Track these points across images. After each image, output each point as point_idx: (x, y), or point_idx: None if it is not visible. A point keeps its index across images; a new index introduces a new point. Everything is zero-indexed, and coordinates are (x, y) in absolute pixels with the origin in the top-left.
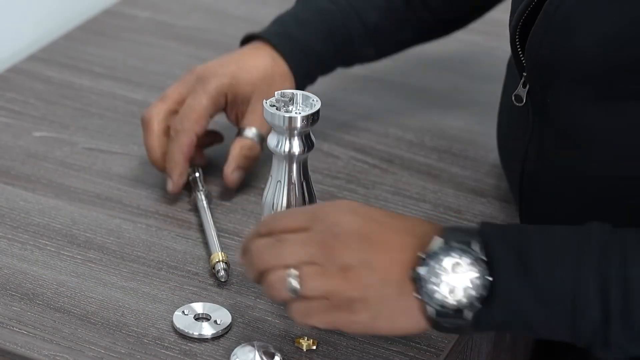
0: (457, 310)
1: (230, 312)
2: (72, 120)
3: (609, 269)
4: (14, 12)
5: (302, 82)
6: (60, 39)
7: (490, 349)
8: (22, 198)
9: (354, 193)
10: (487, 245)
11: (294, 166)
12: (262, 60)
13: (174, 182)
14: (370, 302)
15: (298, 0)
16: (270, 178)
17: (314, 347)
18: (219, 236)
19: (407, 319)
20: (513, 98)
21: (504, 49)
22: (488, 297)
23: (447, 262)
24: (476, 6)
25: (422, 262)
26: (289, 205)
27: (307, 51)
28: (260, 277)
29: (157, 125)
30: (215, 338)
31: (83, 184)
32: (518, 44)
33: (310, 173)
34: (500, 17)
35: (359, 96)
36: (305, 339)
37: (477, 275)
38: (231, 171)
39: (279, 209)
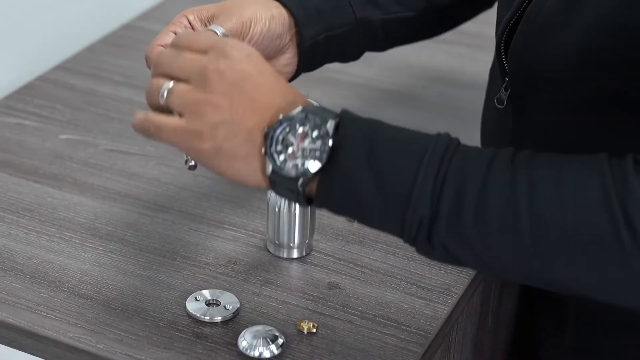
0: (293, 178)
1: (238, 298)
2: (95, 124)
3: (448, 171)
4: (41, 26)
5: (297, 14)
6: (84, 50)
7: (474, 332)
8: (49, 195)
9: None
10: (342, 124)
11: None
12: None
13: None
14: (217, 138)
15: None
16: None
17: (314, 330)
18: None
19: (246, 168)
20: (495, 101)
21: (486, 60)
22: (326, 170)
23: (299, 130)
24: (470, 15)
25: (278, 123)
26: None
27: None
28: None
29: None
30: (225, 322)
31: (104, 182)
32: (503, 51)
33: None
34: (483, 31)
35: (354, 102)
36: (306, 322)
37: (319, 148)
38: None
39: (282, 208)
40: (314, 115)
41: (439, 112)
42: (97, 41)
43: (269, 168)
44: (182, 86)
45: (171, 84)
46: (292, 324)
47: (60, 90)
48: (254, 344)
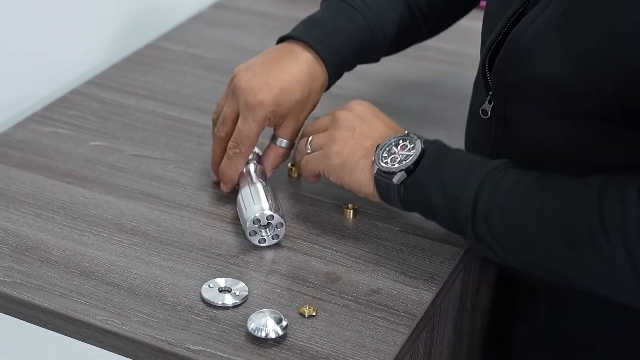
0: (391, 173)
1: (247, 286)
2: (121, 133)
3: (486, 182)
4: (73, 45)
5: (330, 85)
6: (111, 67)
7: (455, 314)
8: (80, 194)
9: (340, 200)
10: (427, 146)
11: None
12: (302, 77)
13: (228, 189)
14: (343, 155)
15: (331, 4)
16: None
17: (314, 314)
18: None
19: (363, 177)
20: (480, 112)
21: (466, 76)
22: (413, 172)
23: (400, 143)
24: (455, 19)
25: (386, 140)
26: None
27: (344, 60)
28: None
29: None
30: (235, 306)
31: (130, 183)
32: (487, 69)
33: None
34: (463, 50)
35: None
36: (307, 307)
37: (412, 154)
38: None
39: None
40: (410, 136)
41: (424, 123)
42: (123, 59)
43: (375, 168)
44: (319, 135)
45: (311, 137)
46: (294, 308)
47: (91, 102)
48: (261, 325)
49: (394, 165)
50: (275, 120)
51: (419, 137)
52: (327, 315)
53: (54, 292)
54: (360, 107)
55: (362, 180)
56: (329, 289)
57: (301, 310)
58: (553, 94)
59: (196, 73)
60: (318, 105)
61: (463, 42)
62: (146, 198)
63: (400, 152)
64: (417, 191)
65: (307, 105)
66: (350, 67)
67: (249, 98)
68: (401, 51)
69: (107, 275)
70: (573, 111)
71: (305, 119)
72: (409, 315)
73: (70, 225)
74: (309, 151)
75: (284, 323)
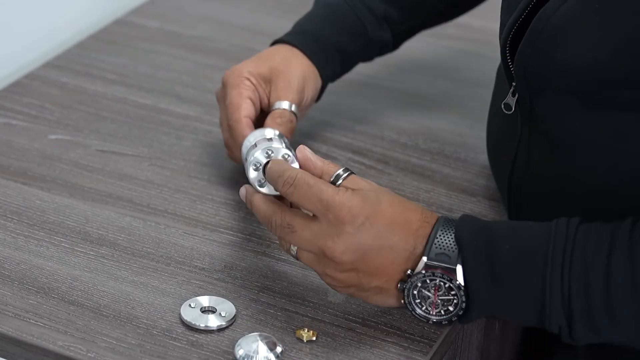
0: (443, 319)
1: (234, 305)
2: (86, 124)
3: (571, 278)
4: (29, 22)
5: (324, 71)
6: (74, 47)
7: (480, 339)
8: (38, 197)
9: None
10: (464, 263)
11: None
12: (278, 50)
13: (231, 152)
14: (350, 291)
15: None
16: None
17: (314, 338)
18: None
19: (385, 301)
20: (502, 106)
21: (492, 56)
22: (465, 310)
23: (432, 284)
24: None
25: (409, 283)
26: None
27: (321, 40)
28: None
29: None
30: (221, 329)
31: (96, 184)
32: (508, 55)
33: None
34: (488, 25)
35: (356, 101)
36: (306, 331)
37: (455, 301)
38: None
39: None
40: (440, 266)
41: (443, 111)
42: (88, 37)
43: (409, 309)
44: (307, 256)
45: (293, 251)
46: (291, 332)
47: (50, 88)
48: (252, 352)
49: (436, 314)
50: (261, 86)
51: (448, 262)
52: (329, 340)
53: (6, 312)
54: (355, 235)
55: (385, 303)
56: (331, 309)
57: (299, 334)
58: (589, 82)
59: (174, 53)
60: (323, 96)
61: (490, 17)
62: (115, 202)
63: (438, 298)
64: (476, 316)
65: (291, 66)
66: (347, 53)
67: (227, 73)
68: (418, 33)
69: (69, 293)
70: (611, 102)
71: (299, 84)
72: (426, 340)
73: (26, 234)
74: (294, 254)
75: (279, 349)
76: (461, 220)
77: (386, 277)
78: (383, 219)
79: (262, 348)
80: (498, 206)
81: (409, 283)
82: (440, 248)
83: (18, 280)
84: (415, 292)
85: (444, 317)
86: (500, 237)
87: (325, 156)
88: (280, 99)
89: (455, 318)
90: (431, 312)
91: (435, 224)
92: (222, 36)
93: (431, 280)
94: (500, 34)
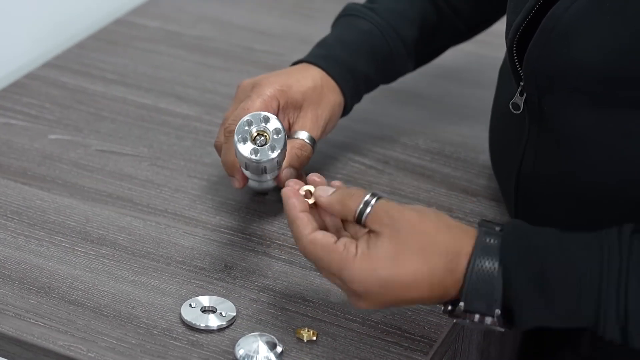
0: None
1: (235, 305)
2: (86, 124)
3: (627, 297)
4: (29, 22)
5: (350, 101)
6: (74, 47)
7: (480, 339)
8: (38, 197)
9: None
10: (507, 277)
11: None
12: (312, 74)
13: (239, 180)
14: (377, 306)
15: (338, 22)
16: None
17: (314, 338)
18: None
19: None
20: (510, 106)
21: (492, 56)
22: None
23: (473, 318)
24: (499, 10)
25: (450, 312)
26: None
27: (354, 72)
28: None
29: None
30: (221, 329)
31: (96, 184)
32: (515, 55)
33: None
34: (493, 26)
35: None
36: (306, 330)
37: (497, 324)
38: (283, 168)
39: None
40: (478, 303)
41: (444, 111)
42: (88, 37)
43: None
44: (339, 282)
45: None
46: (291, 332)
47: (50, 88)
48: (252, 352)
49: (487, 324)
50: (286, 109)
51: (488, 300)
52: (329, 339)
53: (6, 312)
54: (370, 282)
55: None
56: (331, 308)
57: (299, 334)
58: (599, 81)
59: (174, 53)
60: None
61: None
62: (115, 201)
63: (485, 321)
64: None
65: (323, 100)
66: (372, 82)
67: (254, 80)
68: (441, 54)
69: (69, 292)
70: (622, 101)
71: (325, 121)
72: (426, 340)
73: (26, 233)
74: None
75: (279, 349)
76: (505, 242)
77: (408, 300)
78: (399, 281)
79: (262, 348)
80: (498, 206)
81: (450, 315)
82: (478, 295)
83: (18, 280)
84: (461, 319)
85: (492, 326)
86: (548, 254)
87: (325, 156)
88: (304, 129)
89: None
90: (479, 325)
91: (470, 263)
92: (222, 36)
93: (472, 313)
94: (507, 34)
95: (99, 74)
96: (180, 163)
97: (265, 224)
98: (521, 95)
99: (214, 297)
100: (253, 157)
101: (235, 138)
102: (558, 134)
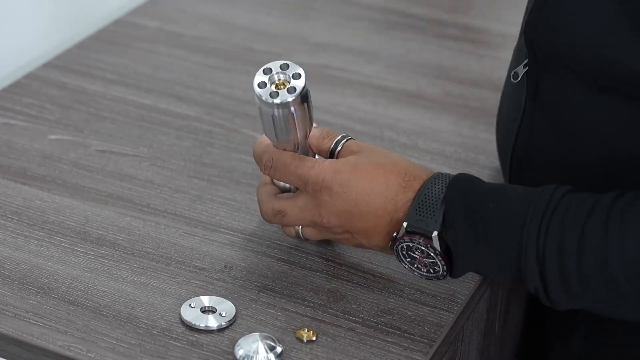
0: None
1: (234, 305)
2: (86, 124)
3: (546, 242)
4: (29, 22)
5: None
6: (74, 47)
7: (480, 339)
8: (38, 197)
9: None
10: (447, 216)
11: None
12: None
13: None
14: (350, 243)
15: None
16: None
17: (314, 339)
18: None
19: (383, 248)
20: (512, 74)
21: (492, 56)
22: (451, 268)
23: (414, 247)
24: None
25: (395, 241)
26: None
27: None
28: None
29: None
30: (221, 329)
31: (96, 184)
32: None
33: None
34: (488, 25)
35: (356, 101)
36: (306, 331)
37: (436, 262)
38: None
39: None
40: (418, 232)
41: (443, 111)
42: (88, 37)
43: (412, 269)
44: (308, 230)
45: (298, 230)
46: (290, 332)
47: (50, 88)
48: (252, 352)
49: (427, 272)
50: None
51: (425, 229)
52: (329, 340)
53: (6, 312)
54: (335, 204)
55: (383, 248)
56: (331, 309)
57: (299, 334)
58: (593, 64)
59: (174, 53)
60: (323, 97)
61: (490, 16)
62: (115, 202)
63: (423, 259)
64: (459, 270)
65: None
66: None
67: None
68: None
69: (69, 292)
70: (615, 84)
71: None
72: (426, 340)
73: (26, 233)
74: (300, 235)
75: (279, 349)
76: (455, 179)
77: (379, 238)
78: (357, 186)
79: (262, 348)
80: None
81: (397, 245)
82: (421, 214)
83: (18, 280)
84: (404, 252)
85: (433, 274)
86: (487, 196)
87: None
88: None
89: (443, 276)
90: (423, 271)
91: (422, 185)
92: (222, 36)
93: (413, 244)
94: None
95: (99, 74)
96: (180, 163)
97: (265, 224)
98: (525, 67)
99: (214, 297)
100: (272, 100)
101: (255, 84)
102: (551, 113)
